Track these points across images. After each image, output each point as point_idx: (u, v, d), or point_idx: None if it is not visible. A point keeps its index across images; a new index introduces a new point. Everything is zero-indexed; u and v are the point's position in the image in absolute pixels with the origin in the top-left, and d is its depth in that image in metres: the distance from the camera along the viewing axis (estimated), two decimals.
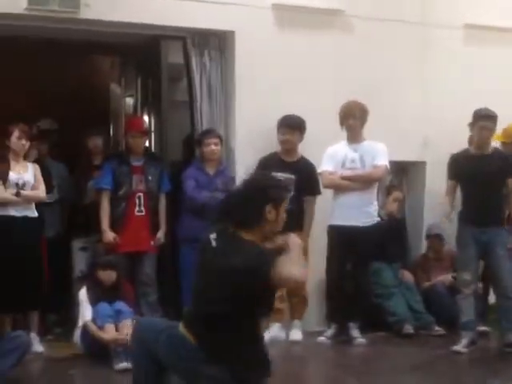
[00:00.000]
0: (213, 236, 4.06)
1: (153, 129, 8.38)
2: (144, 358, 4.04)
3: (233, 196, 4.28)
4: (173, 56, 8.14)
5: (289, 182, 4.54)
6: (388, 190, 8.26)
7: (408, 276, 8.19)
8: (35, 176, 7.04)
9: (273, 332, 7.40)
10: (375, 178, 7.46)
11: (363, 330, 7.45)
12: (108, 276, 6.72)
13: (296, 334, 7.51)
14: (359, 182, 7.36)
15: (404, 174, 8.95)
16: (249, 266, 3.79)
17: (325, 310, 7.64)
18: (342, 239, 7.31)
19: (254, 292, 3.84)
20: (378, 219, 7.57)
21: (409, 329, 7.60)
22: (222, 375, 3.88)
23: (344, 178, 7.37)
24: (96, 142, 7.82)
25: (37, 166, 7.15)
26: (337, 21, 8.20)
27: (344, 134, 7.48)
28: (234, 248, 3.94)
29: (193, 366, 3.93)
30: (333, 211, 7.41)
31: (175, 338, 3.98)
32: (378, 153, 7.39)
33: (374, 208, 7.47)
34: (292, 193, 7.33)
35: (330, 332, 7.42)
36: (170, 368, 4.07)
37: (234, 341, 3.91)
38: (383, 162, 7.38)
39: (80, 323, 6.59)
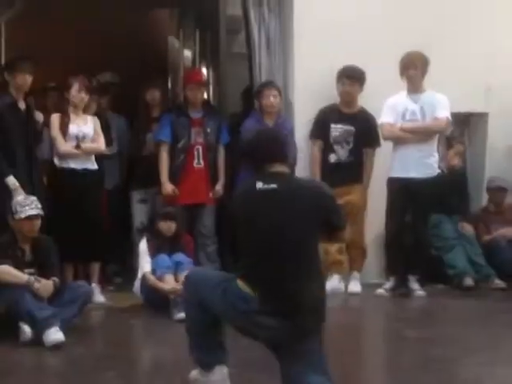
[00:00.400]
0: (260, 185, 3.99)
1: (211, 81, 8.35)
2: (197, 309, 4.06)
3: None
4: (231, 8, 8.11)
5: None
6: (449, 143, 8.12)
7: (468, 228, 8.09)
8: (95, 129, 7.11)
9: (332, 284, 7.42)
10: (436, 130, 7.36)
11: (422, 282, 7.41)
12: (168, 227, 6.76)
13: (355, 286, 7.50)
14: (420, 134, 7.26)
15: (465, 125, 8.80)
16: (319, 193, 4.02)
17: (384, 263, 7.61)
18: (402, 191, 7.24)
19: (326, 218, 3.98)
20: (439, 171, 7.48)
21: (469, 282, 7.54)
22: (282, 325, 3.87)
23: (404, 130, 7.28)
24: (154, 95, 7.82)
25: (96, 119, 7.21)
26: None
27: (404, 84, 7.36)
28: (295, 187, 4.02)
29: (252, 318, 3.92)
30: (392, 163, 7.34)
31: (233, 291, 3.97)
32: (438, 104, 7.27)
33: (435, 160, 7.37)
34: (351, 145, 7.43)
35: (388, 284, 7.39)
36: (227, 320, 4.09)
37: (299, 290, 3.89)
38: (444, 113, 7.26)
39: (139, 274, 6.66)
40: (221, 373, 4.15)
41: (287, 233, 3.91)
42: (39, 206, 5.96)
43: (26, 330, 5.49)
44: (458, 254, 7.78)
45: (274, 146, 4.13)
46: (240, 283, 3.95)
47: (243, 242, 4.03)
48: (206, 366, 4.13)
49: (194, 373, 4.17)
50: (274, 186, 3.96)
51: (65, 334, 5.48)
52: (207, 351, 4.11)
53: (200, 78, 7.88)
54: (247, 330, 4.02)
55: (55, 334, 5.40)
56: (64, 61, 9.60)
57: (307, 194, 3.99)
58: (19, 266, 5.81)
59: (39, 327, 5.44)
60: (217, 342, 4.15)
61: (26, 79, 6.62)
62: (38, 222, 5.96)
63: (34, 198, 6.05)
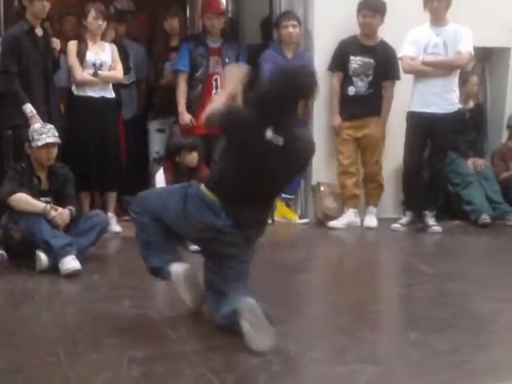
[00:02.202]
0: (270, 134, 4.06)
1: (230, 11, 8.23)
2: (150, 222, 4.30)
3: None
4: None
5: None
6: (464, 80, 7.91)
7: (479, 162, 8.01)
8: (112, 56, 7.04)
9: (348, 218, 7.43)
10: (458, 65, 7.24)
11: (439, 218, 7.40)
12: (193, 158, 6.68)
13: (371, 221, 7.50)
14: (441, 69, 7.15)
15: (487, 60, 8.67)
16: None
17: (401, 198, 7.59)
18: (421, 126, 7.18)
19: None
20: (460, 106, 7.40)
21: (485, 218, 7.51)
22: (236, 233, 4.13)
23: (426, 63, 7.17)
24: (172, 24, 7.72)
25: (114, 47, 7.13)
26: None
27: (427, 16, 7.23)
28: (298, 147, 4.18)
29: (210, 222, 4.11)
30: (412, 97, 7.26)
31: (197, 194, 4.18)
32: (462, 38, 7.14)
33: (456, 95, 7.28)
34: (370, 78, 7.34)
35: (405, 219, 7.39)
36: (179, 226, 4.24)
37: (259, 219, 4.27)
38: (467, 48, 7.14)
39: None
40: (182, 266, 4.36)
41: (275, 182, 4.24)
42: (56, 133, 5.94)
43: (43, 258, 5.53)
44: (475, 190, 7.75)
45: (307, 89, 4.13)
46: (204, 190, 4.15)
47: (228, 162, 4.19)
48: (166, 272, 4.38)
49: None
50: (280, 141, 4.04)
51: (81, 262, 5.52)
52: (162, 255, 4.38)
53: (218, 6, 7.75)
54: (197, 233, 4.20)
55: (71, 263, 5.43)
56: None
57: (304, 156, 4.31)
58: (35, 194, 5.82)
59: (55, 255, 5.48)
60: (171, 246, 4.44)
61: (44, 5, 6.53)
62: (55, 150, 5.94)
63: (50, 125, 6.03)
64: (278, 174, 4.13)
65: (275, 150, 4.04)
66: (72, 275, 5.38)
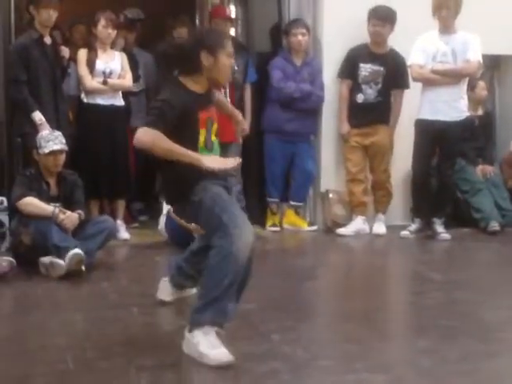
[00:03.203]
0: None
1: (239, 19, 8.24)
2: None
3: (173, 46, 4.36)
4: None
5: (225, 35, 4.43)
6: (472, 86, 7.89)
7: (488, 170, 7.99)
8: (122, 65, 7.08)
9: (357, 225, 7.42)
10: (467, 73, 7.23)
11: (448, 225, 7.38)
12: None
13: (379, 228, 7.49)
14: (450, 77, 7.15)
15: (495, 68, 8.66)
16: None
17: (409, 205, 7.59)
18: (430, 134, 7.17)
19: None
20: (468, 114, 7.39)
21: (494, 226, 7.48)
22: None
23: (434, 72, 7.17)
24: (181, 32, 7.74)
25: (124, 55, 7.17)
26: None
27: (436, 24, 7.22)
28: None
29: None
30: (421, 105, 7.25)
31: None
32: (470, 46, 7.13)
33: (464, 103, 7.27)
34: (380, 85, 7.34)
35: (413, 226, 7.37)
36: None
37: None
38: (476, 56, 7.13)
39: (165, 211, 6.66)
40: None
41: None
42: (63, 140, 6.01)
43: (59, 263, 5.55)
44: (484, 197, 7.73)
45: None
46: None
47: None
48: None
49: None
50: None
51: (88, 267, 5.55)
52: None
53: (226, 13, 7.78)
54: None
55: (75, 251, 5.49)
56: None
57: None
58: (44, 199, 5.88)
59: (63, 256, 5.51)
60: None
61: (51, 14, 6.57)
62: (63, 157, 6.01)
63: (58, 132, 6.10)
64: None
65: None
66: (79, 271, 5.46)
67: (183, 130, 3.96)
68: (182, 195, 4.07)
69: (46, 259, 5.62)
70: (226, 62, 4.08)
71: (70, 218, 5.80)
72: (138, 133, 3.89)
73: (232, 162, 4.01)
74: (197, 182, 4.02)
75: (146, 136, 3.87)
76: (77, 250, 5.50)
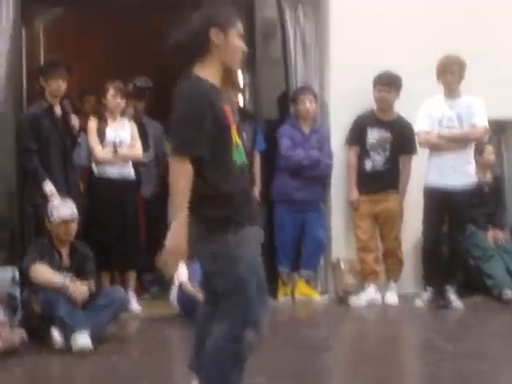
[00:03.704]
0: None
1: (247, 86, 8.30)
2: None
3: (181, 31, 3.81)
4: (266, 12, 8.04)
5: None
6: (479, 150, 7.90)
7: (500, 236, 7.93)
8: (132, 134, 7.12)
9: (369, 294, 7.36)
10: (474, 138, 7.24)
11: (461, 293, 7.30)
12: None
13: (391, 297, 7.43)
14: (457, 142, 7.15)
15: (502, 132, 8.69)
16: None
17: (421, 272, 7.53)
18: (439, 200, 7.15)
19: None
20: (476, 179, 7.39)
21: (508, 294, 7.38)
22: None
23: (441, 137, 7.18)
24: None
25: (133, 124, 7.22)
26: None
27: (441, 88, 7.26)
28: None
29: None
30: (429, 171, 7.24)
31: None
32: (476, 111, 7.15)
33: (472, 167, 7.27)
34: (387, 152, 7.35)
35: (426, 295, 7.29)
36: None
37: None
38: (482, 121, 7.15)
39: (176, 282, 6.63)
40: None
41: None
42: (75, 210, 6.02)
43: (57, 336, 5.53)
44: (496, 263, 7.67)
45: None
46: None
47: None
48: None
49: None
50: None
51: (99, 340, 5.51)
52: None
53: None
54: None
55: (83, 339, 5.43)
56: (102, 65, 9.62)
57: None
58: (56, 269, 5.86)
59: (69, 331, 5.47)
60: None
61: (60, 85, 6.65)
62: (74, 226, 6.01)
63: (69, 201, 6.10)
64: None
65: None
66: (85, 354, 5.35)
67: (216, 125, 3.58)
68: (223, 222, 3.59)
69: (54, 331, 5.56)
70: (238, 42, 3.75)
71: (80, 290, 5.76)
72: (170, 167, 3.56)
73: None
74: (245, 218, 3.63)
75: (174, 174, 3.53)
76: (84, 341, 5.41)
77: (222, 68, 3.75)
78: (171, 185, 3.58)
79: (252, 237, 3.64)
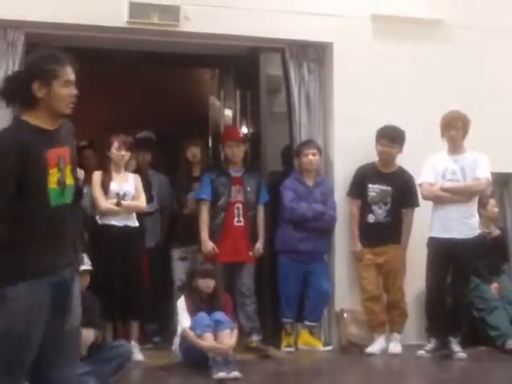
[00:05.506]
0: None
1: (252, 140, 8.39)
2: None
3: (7, 78, 3.83)
4: (271, 68, 8.17)
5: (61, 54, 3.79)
6: (483, 204, 7.93)
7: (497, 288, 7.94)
8: (136, 187, 7.15)
9: (380, 345, 7.34)
10: (477, 190, 7.29)
11: (464, 344, 7.28)
12: (206, 284, 6.74)
13: (395, 347, 7.40)
14: (460, 194, 7.20)
15: (505, 185, 8.73)
16: None
17: (424, 323, 7.51)
18: (442, 252, 7.17)
19: None
20: (480, 232, 7.41)
21: (511, 344, 7.38)
22: None
23: (444, 189, 7.23)
24: (194, 152, 7.86)
25: (138, 177, 7.26)
26: (436, 31, 8.06)
27: (443, 145, 7.34)
28: None
29: None
30: (432, 223, 7.28)
31: None
32: (479, 164, 7.22)
33: (475, 220, 7.30)
34: (389, 205, 7.38)
35: (429, 346, 7.27)
36: None
37: None
38: (485, 174, 7.20)
39: (179, 331, 6.63)
40: None
41: None
42: (87, 261, 6.01)
43: None
44: (499, 315, 7.65)
45: None
46: None
47: None
48: None
49: None
50: None
51: None
52: None
53: (238, 134, 7.94)
54: None
55: None
56: (105, 119, 9.75)
57: None
58: None
59: None
60: None
61: None
62: (87, 278, 6.00)
63: (82, 253, 6.09)
64: None
65: None
66: None
67: (27, 171, 3.56)
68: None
69: None
70: (63, 91, 3.67)
71: (85, 336, 5.73)
72: None
73: None
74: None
75: None
76: None
77: (50, 112, 3.70)
78: None
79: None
